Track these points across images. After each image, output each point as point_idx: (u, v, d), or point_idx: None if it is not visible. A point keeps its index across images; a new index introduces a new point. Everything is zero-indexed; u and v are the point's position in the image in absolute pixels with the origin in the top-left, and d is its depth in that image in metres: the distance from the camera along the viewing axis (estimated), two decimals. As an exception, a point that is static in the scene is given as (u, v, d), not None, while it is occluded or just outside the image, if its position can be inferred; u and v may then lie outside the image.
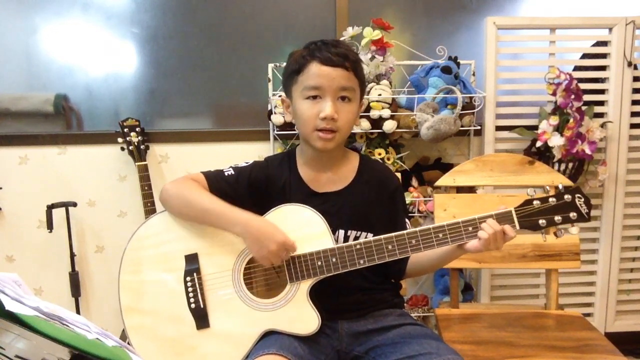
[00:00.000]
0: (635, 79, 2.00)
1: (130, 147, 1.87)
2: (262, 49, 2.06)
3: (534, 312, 1.53)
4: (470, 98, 1.87)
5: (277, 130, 1.89)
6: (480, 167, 1.60)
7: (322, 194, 1.17)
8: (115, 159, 1.98)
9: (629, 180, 2.07)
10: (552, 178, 1.57)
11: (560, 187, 1.06)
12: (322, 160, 1.18)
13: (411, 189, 1.90)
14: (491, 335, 1.37)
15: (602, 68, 2.02)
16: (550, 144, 1.83)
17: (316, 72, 1.08)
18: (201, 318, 1.09)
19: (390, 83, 1.87)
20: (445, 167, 1.92)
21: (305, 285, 1.08)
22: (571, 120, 1.81)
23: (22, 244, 2.00)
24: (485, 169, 1.60)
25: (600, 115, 2.02)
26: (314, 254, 1.07)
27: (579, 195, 1.04)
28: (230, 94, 2.11)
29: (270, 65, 1.92)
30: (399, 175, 1.37)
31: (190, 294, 1.10)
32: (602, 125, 1.96)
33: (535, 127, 1.90)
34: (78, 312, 1.98)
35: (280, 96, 1.54)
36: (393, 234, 1.06)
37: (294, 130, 1.84)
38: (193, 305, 1.10)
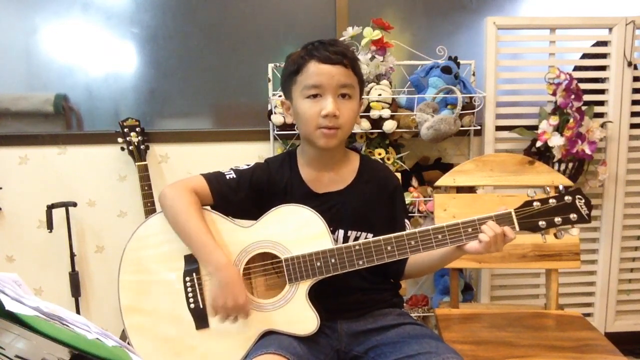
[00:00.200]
0: (635, 79, 2.00)
1: (130, 147, 1.87)
2: (262, 49, 2.06)
3: (534, 312, 1.53)
4: (470, 98, 1.87)
5: (277, 130, 1.90)
6: (480, 167, 1.60)
7: (322, 194, 1.17)
8: (115, 159, 1.98)
9: (629, 180, 2.07)
10: (552, 178, 1.57)
11: (561, 188, 1.05)
12: (323, 161, 1.18)
13: (411, 189, 1.90)
14: (491, 335, 1.37)
15: (602, 68, 2.02)
16: (550, 144, 1.83)
17: (315, 71, 1.08)
18: (200, 318, 1.09)
19: (390, 83, 1.87)
20: (445, 167, 1.92)
21: (305, 285, 1.08)
22: (571, 120, 1.81)
23: (22, 244, 2.00)
24: (485, 169, 1.60)
25: (600, 115, 2.02)
26: (313, 255, 1.07)
27: (579, 196, 1.04)
28: (230, 94, 2.11)
29: (270, 65, 1.92)
30: (399, 175, 1.37)
31: (190, 294, 1.10)
32: (602, 125, 1.96)
33: (535, 127, 1.90)
34: (78, 312, 1.98)
35: (280, 96, 1.54)
36: (392, 235, 1.06)
37: (294, 130, 1.84)
38: (192, 305, 1.10)
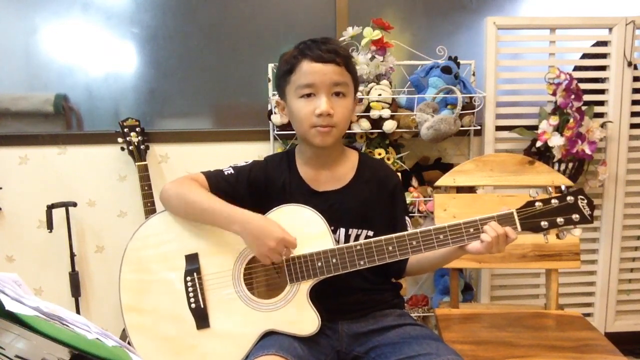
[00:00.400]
0: (635, 79, 2.00)
1: (130, 147, 1.87)
2: (262, 49, 2.06)
3: (534, 312, 1.53)
4: (470, 98, 1.87)
5: (277, 130, 1.90)
6: (480, 167, 1.60)
7: (322, 193, 1.17)
8: (115, 159, 1.98)
9: (629, 180, 2.07)
10: (552, 178, 1.57)
11: (563, 188, 1.05)
12: (322, 159, 1.18)
13: (411, 189, 1.90)
14: (491, 335, 1.37)
15: (602, 68, 2.02)
16: (550, 144, 1.83)
17: (308, 70, 1.08)
18: (201, 318, 1.09)
19: (390, 83, 1.87)
20: (445, 167, 1.92)
21: (305, 285, 1.08)
22: (571, 120, 1.81)
23: (22, 244, 2.00)
24: (485, 169, 1.60)
25: (600, 115, 2.02)
26: (314, 255, 1.07)
27: (581, 196, 1.04)
28: (230, 94, 2.11)
29: (270, 65, 1.92)
30: (398, 175, 1.36)
31: (191, 294, 1.10)
32: (602, 125, 1.96)
33: (535, 127, 1.90)
34: (78, 312, 1.98)
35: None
36: (393, 235, 1.06)
37: (294, 130, 1.84)
38: (193, 305, 1.10)
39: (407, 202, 1.80)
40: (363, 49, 1.85)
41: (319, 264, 1.07)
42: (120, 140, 1.88)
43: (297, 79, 1.10)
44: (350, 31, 1.82)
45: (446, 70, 1.80)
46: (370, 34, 1.80)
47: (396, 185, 1.23)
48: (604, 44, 2.01)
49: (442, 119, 1.74)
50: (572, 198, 1.03)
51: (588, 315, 2.14)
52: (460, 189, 1.61)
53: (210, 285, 1.10)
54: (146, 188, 1.82)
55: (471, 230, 1.04)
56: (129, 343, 1.10)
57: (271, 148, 1.95)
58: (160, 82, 2.06)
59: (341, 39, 1.86)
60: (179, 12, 2.03)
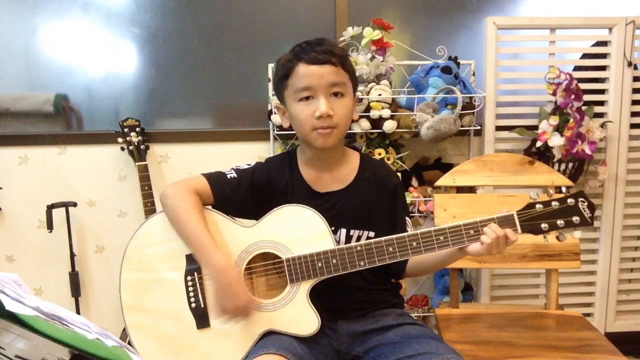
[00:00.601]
0: (635, 79, 2.00)
1: (130, 147, 1.87)
2: (262, 49, 2.06)
3: (534, 312, 1.53)
4: (470, 98, 1.87)
5: (277, 130, 1.90)
6: (480, 167, 1.60)
7: (324, 194, 1.17)
8: (115, 159, 1.98)
9: (629, 180, 2.07)
10: (552, 178, 1.57)
11: (564, 190, 1.05)
12: (323, 160, 1.18)
13: (411, 189, 1.90)
14: (491, 335, 1.37)
15: (602, 68, 2.02)
16: (550, 144, 1.83)
17: (304, 73, 1.08)
18: (201, 317, 1.09)
19: (390, 83, 1.87)
20: (445, 167, 1.92)
21: (306, 286, 1.08)
22: (571, 120, 1.81)
23: (22, 244, 2.00)
24: (485, 169, 1.60)
25: (600, 115, 2.02)
26: (314, 255, 1.07)
27: (582, 199, 1.04)
28: (230, 94, 2.11)
29: (271, 65, 1.92)
30: (398, 175, 1.37)
31: (191, 294, 1.10)
32: (602, 125, 1.96)
33: (535, 127, 1.90)
34: (78, 312, 1.98)
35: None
36: (394, 236, 1.06)
37: (294, 130, 1.84)
38: (193, 305, 1.10)
39: (407, 202, 1.80)
40: (363, 49, 1.85)
41: (319, 264, 1.07)
42: (120, 140, 1.88)
43: (294, 82, 1.09)
44: (350, 31, 1.82)
45: (446, 70, 1.80)
46: (370, 34, 1.80)
47: (397, 185, 1.23)
48: (604, 44, 2.01)
49: (442, 119, 1.74)
50: (572, 200, 1.03)
51: (588, 315, 2.14)
52: (460, 189, 1.61)
53: (211, 285, 1.10)
54: (146, 188, 1.81)
55: (471, 231, 1.04)
56: (129, 343, 1.10)
57: (271, 148, 1.95)
58: (160, 82, 2.06)
59: (341, 39, 1.86)
60: (179, 12, 2.03)
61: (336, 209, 1.15)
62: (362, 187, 1.18)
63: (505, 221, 1.04)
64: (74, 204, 1.92)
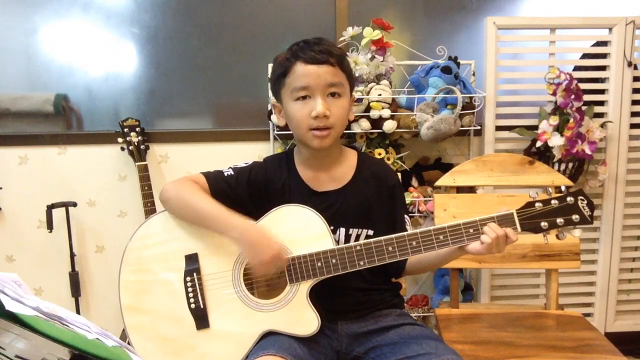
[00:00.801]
0: (635, 79, 2.00)
1: (130, 147, 1.87)
2: (262, 49, 2.06)
3: (534, 312, 1.53)
4: (470, 98, 1.87)
5: (277, 130, 1.90)
6: (480, 167, 1.60)
7: (322, 193, 1.17)
8: (115, 159, 1.98)
9: (629, 180, 2.07)
10: (552, 178, 1.57)
11: (563, 189, 1.05)
12: (320, 160, 1.18)
13: (411, 189, 1.90)
14: (491, 335, 1.37)
15: (602, 68, 2.02)
16: (550, 144, 1.83)
17: (302, 72, 1.08)
18: (201, 318, 1.09)
19: (390, 83, 1.87)
20: (445, 167, 1.92)
21: (305, 286, 1.07)
22: (571, 120, 1.81)
23: (22, 244, 2.00)
24: (485, 169, 1.60)
25: (600, 115, 2.02)
26: (313, 255, 1.07)
27: (581, 197, 1.04)
28: (230, 94, 2.11)
29: (270, 65, 1.91)
30: (398, 174, 1.36)
31: (190, 294, 1.10)
32: (602, 125, 1.96)
33: (535, 127, 1.90)
34: (78, 312, 1.98)
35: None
36: (393, 235, 1.06)
37: (290, 129, 1.84)
38: (193, 306, 1.10)
39: (407, 202, 1.81)
40: (363, 49, 1.85)
41: (319, 264, 1.07)
42: (120, 140, 1.88)
43: (291, 81, 1.09)
44: (350, 31, 1.82)
45: (446, 70, 1.80)
46: (370, 34, 1.80)
47: (395, 184, 1.23)
48: (604, 44, 2.01)
49: (442, 119, 1.74)
50: (572, 199, 1.04)
51: (588, 315, 2.14)
52: (460, 189, 1.61)
53: (210, 286, 1.10)
54: (146, 188, 1.82)
55: (471, 230, 1.04)
56: (128, 343, 1.10)
57: (271, 148, 1.96)
58: (160, 82, 2.06)
59: (341, 39, 1.86)
60: (179, 12, 2.03)
61: (334, 208, 1.15)
62: (360, 185, 1.18)
63: (504, 220, 1.04)
64: (74, 204, 1.92)
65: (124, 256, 1.13)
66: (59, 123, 2.05)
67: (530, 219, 1.04)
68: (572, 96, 1.81)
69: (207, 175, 1.17)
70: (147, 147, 1.91)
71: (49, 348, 0.57)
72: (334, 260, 1.06)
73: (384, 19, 1.84)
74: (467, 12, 2.13)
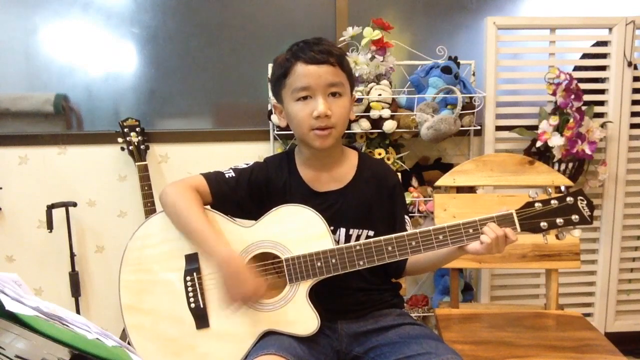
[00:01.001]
0: (635, 79, 2.00)
1: (130, 147, 1.87)
2: (262, 49, 2.06)
3: (534, 312, 1.53)
4: (470, 98, 1.87)
5: (277, 130, 1.90)
6: (480, 167, 1.60)
7: (322, 193, 1.17)
8: (115, 159, 1.98)
9: (629, 180, 2.07)
10: (552, 178, 1.57)
11: (563, 189, 1.05)
12: (321, 160, 1.18)
13: (411, 189, 1.90)
14: (491, 335, 1.37)
15: (602, 68, 2.02)
16: (550, 144, 1.83)
17: (302, 73, 1.08)
18: (201, 318, 1.09)
19: (390, 83, 1.87)
20: (445, 167, 1.92)
21: (305, 286, 1.07)
22: (571, 120, 1.81)
23: (22, 244, 2.00)
24: (485, 169, 1.60)
25: (600, 115, 2.02)
26: (313, 255, 1.07)
27: (581, 197, 1.04)
28: (230, 94, 2.11)
29: (270, 66, 1.92)
30: (398, 174, 1.36)
31: (190, 294, 1.10)
32: (602, 125, 1.96)
33: (535, 127, 1.90)
34: (78, 312, 1.98)
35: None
36: (393, 235, 1.06)
37: (291, 129, 1.84)
38: (193, 305, 1.10)
39: (407, 202, 1.81)
40: (363, 49, 1.85)
41: (319, 264, 1.07)
42: (120, 140, 1.88)
43: (292, 82, 1.09)
44: (350, 31, 1.82)
45: (446, 70, 1.80)
46: (370, 34, 1.80)
47: (396, 184, 1.23)
48: (604, 44, 2.01)
49: (442, 119, 1.74)
50: (571, 199, 1.04)
51: (588, 315, 2.14)
52: (460, 189, 1.61)
53: (210, 285, 1.10)
54: (146, 188, 1.82)
55: (470, 230, 1.04)
56: (128, 343, 1.10)
57: (271, 148, 1.96)
58: (160, 82, 2.06)
59: (341, 39, 1.86)
60: (179, 12, 2.03)
61: (335, 209, 1.15)
62: (360, 186, 1.18)
63: (504, 220, 1.04)
64: (74, 204, 1.92)
65: (124, 256, 1.13)
66: (59, 123, 2.05)
67: (530, 219, 1.04)
68: (572, 96, 1.82)
69: (208, 176, 1.17)
70: (147, 147, 1.91)
71: (49, 348, 0.57)
72: (333, 260, 1.06)
73: (384, 19, 1.84)
74: (467, 12, 2.13)
